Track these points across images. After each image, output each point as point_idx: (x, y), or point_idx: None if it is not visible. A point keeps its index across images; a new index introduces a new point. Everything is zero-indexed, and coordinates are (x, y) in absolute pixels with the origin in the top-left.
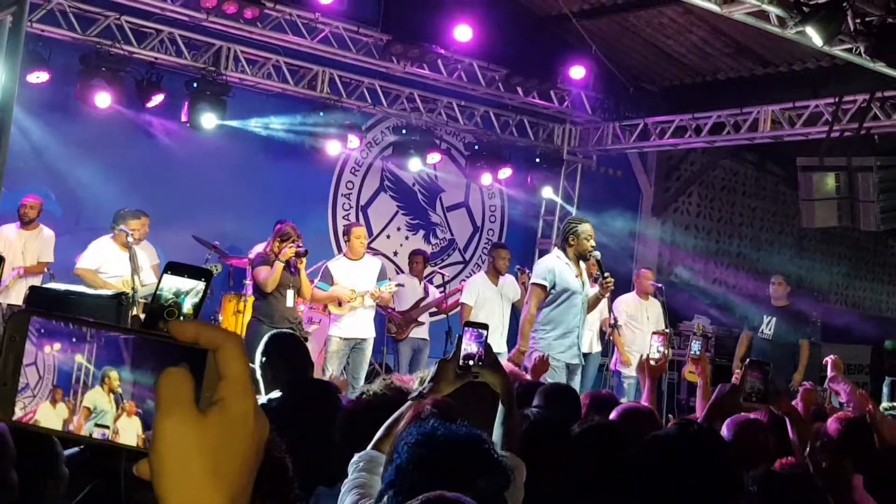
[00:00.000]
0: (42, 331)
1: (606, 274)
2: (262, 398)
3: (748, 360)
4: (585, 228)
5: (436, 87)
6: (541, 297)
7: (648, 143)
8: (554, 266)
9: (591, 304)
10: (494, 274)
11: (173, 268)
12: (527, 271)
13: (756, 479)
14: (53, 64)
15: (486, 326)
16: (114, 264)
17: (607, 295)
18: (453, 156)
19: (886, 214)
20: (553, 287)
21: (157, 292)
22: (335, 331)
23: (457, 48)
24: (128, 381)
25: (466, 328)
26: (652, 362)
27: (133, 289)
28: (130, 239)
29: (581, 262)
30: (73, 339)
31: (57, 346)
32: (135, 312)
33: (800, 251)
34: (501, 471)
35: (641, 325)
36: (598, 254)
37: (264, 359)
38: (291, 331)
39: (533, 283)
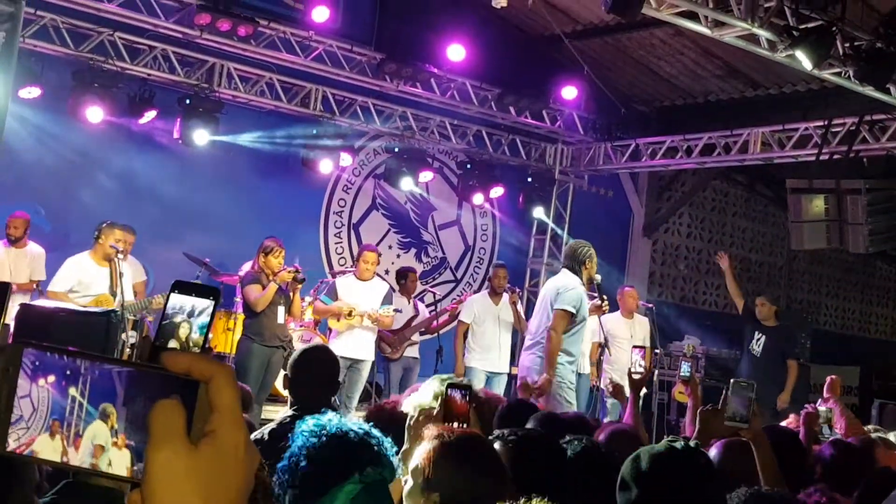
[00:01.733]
0: (37, 363)
1: (604, 297)
2: (272, 424)
3: (732, 381)
4: (594, 254)
5: (429, 106)
6: (567, 325)
7: (640, 164)
8: (582, 295)
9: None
10: (494, 293)
11: (180, 287)
12: (517, 291)
13: (741, 499)
14: (46, 79)
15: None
16: (92, 283)
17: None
18: (445, 174)
19: (875, 237)
20: (575, 315)
21: (166, 312)
22: (333, 348)
23: (450, 67)
24: (120, 413)
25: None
26: (635, 376)
27: (121, 305)
28: (120, 255)
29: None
30: (68, 372)
31: (51, 378)
32: (124, 333)
33: (790, 272)
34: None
35: (625, 344)
36: (599, 277)
37: (289, 374)
38: (323, 347)
39: (563, 310)
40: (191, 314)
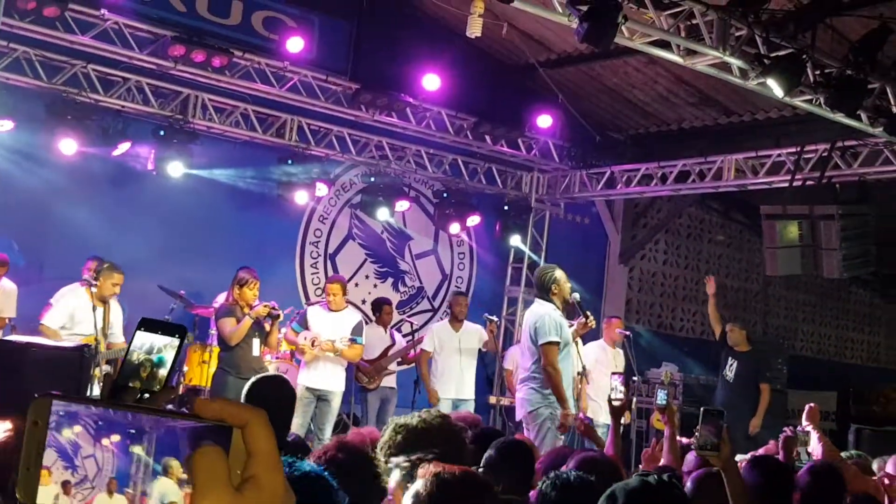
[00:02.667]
0: (100, 423)
1: (588, 313)
2: None
3: (702, 409)
4: (561, 274)
5: (404, 136)
6: (557, 355)
7: (615, 192)
8: (562, 322)
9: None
10: (455, 320)
11: (146, 325)
12: (495, 320)
13: None
14: (19, 112)
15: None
16: (84, 321)
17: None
18: (422, 203)
19: (849, 262)
20: (562, 344)
21: (130, 349)
22: (302, 379)
23: (425, 97)
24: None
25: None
26: (615, 403)
27: (106, 347)
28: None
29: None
30: (132, 431)
31: (116, 438)
32: (98, 368)
33: (766, 298)
34: None
35: (599, 370)
36: (577, 295)
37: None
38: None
39: (549, 343)
40: (151, 351)
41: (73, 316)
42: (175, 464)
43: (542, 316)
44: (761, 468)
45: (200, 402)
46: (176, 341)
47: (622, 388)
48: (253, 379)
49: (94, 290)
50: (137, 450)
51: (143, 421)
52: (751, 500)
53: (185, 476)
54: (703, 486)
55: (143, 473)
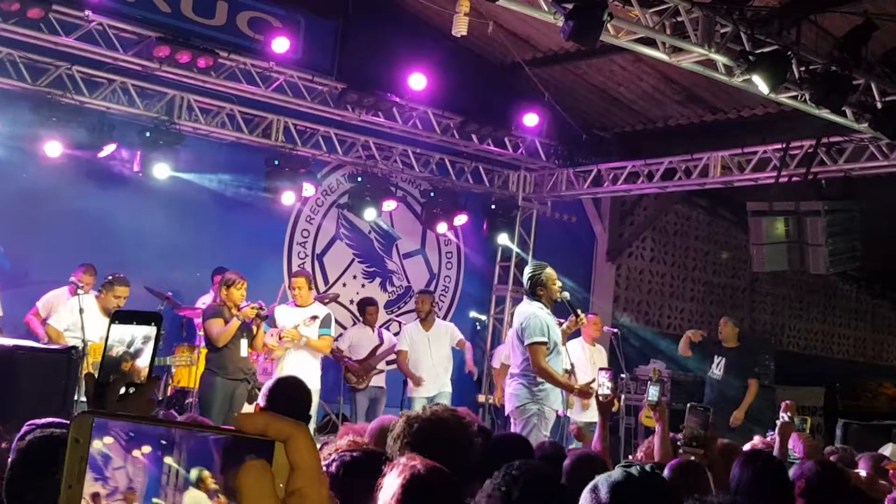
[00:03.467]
0: (131, 434)
1: (579, 311)
2: None
3: (689, 405)
4: (550, 273)
5: (391, 135)
6: (545, 354)
7: (602, 189)
8: (548, 322)
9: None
10: (423, 320)
11: (120, 317)
12: (482, 320)
13: None
14: (3, 114)
15: (156, 318)
16: (89, 328)
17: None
18: (409, 203)
19: (835, 258)
20: (548, 343)
21: (108, 344)
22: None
23: (412, 96)
24: (218, 479)
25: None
26: (602, 398)
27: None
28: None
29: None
30: (163, 442)
31: (147, 449)
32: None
33: (752, 295)
34: None
35: (587, 370)
36: (566, 294)
37: (264, 404)
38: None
39: (535, 343)
40: (131, 344)
41: (78, 321)
42: (207, 475)
43: (528, 316)
44: (754, 463)
45: (244, 416)
46: (153, 329)
47: (609, 384)
48: (273, 380)
49: (80, 293)
50: (169, 460)
51: (175, 431)
52: (744, 495)
53: (216, 487)
54: (679, 474)
55: (175, 485)
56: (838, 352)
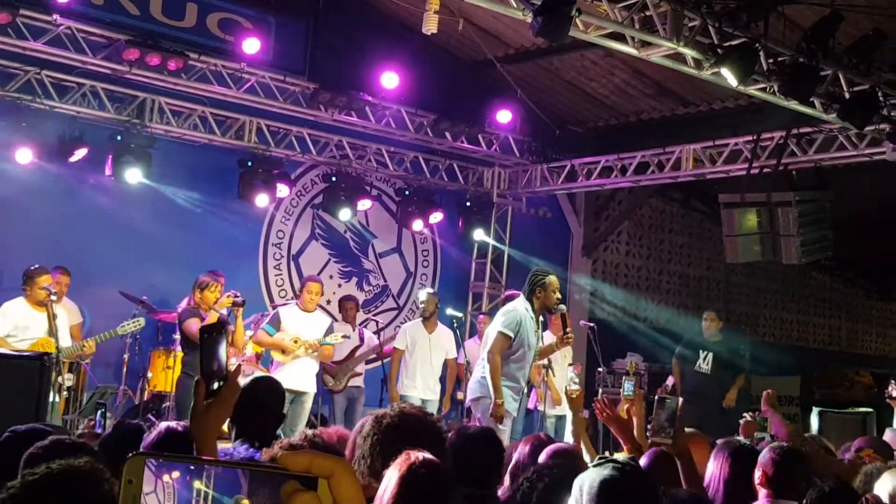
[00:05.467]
0: (160, 461)
1: (568, 330)
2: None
3: (657, 397)
4: (553, 281)
5: (364, 134)
6: (504, 347)
7: (576, 185)
8: (522, 319)
9: (544, 352)
10: (427, 321)
11: (205, 331)
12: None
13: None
14: None
15: (222, 327)
16: (30, 327)
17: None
18: (384, 202)
19: (807, 248)
20: (514, 340)
21: (204, 359)
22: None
23: (384, 95)
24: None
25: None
26: (572, 394)
27: (57, 349)
28: (53, 297)
29: (541, 315)
30: (192, 467)
31: (175, 474)
32: (61, 376)
33: (728, 286)
34: None
35: (557, 364)
36: (563, 307)
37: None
38: (270, 377)
39: (499, 332)
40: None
41: (16, 324)
42: (244, 502)
43: (510, 310)
44: (734, 455)
45: (287, 456)
46: (223, 338)
47: (577, 379)
48: (249, 379)
49: (52, 298)
50: (198, 485)
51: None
52: (722, 485)
53: None
54: (655, 463)
55: None
56: (813, 341)
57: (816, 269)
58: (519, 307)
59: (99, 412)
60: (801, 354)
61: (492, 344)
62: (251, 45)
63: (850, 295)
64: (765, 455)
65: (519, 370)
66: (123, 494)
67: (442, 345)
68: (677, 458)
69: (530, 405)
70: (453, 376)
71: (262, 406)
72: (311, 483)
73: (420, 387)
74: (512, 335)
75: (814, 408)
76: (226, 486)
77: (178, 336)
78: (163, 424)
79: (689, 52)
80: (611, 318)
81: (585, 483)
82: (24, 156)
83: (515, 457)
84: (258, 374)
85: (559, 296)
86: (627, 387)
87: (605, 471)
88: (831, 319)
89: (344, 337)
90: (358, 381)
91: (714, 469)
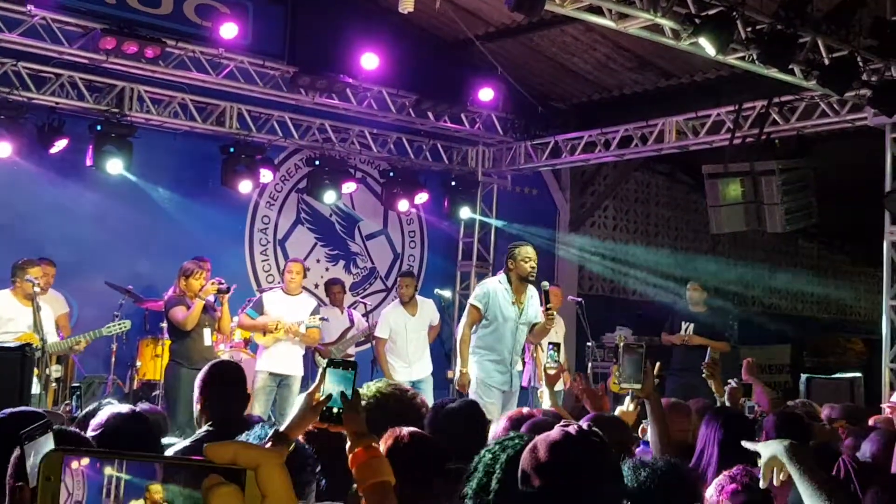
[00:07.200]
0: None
1: (549, 306)
2: (185, 442)
3: (624, 343)
4: (522, 251)
5: (346, 117)
6: (475, 319)
7: (560, 161)
8: (490, 291)
9: (539, 333)
10: (407, 304)
11: (331, 364)
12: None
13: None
14: None
15: (354, 365)
16: (14, 319)
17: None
18: (369, 184)
19: (791, 216)
20: (486, 312)
21: (324, 388)
22: (261, 365)
23: (365, 76)
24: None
25: (329, 367)
26: (550, 371)
27: (42, 340)
28: (37, 289)
29: (530, 286)
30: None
31: (85, 461)
32: (48, 368)
33: (715, 256)
34: None
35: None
36: (546, 283)
37: (200, 391)
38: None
39: (469, 304)
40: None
41: (1, 318)
42: (155, 487)
43: (481, 284)
44: (723, 419)
45: (212, 447)
46: (351, 373)
47: (557, 357)
48: (210, 365)
49: (36, 290)
50: (109, 471)
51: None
52: (717, 448)
53: (159, 498)
54: (598, 426)
55: (116, 495)
56: (803, 309)
57: (803, 237)
58: (490, 281)
59: (74, 396)
60: (791, 323)
61: (464, 316)
62: (229, 30)
63: (838, 262)
64: (769, 421)
65: (497, 342)
66: (41, 492)
67: (425, 321)
68: (647, 402)
69: (524, 382)
70: (433, 336)
71: (227, 390)
72: (237, 475)
73: (408, 370)
74: (480, 306)
75: (801, 375)
76: (139, 471)
77: (164, 324)
78: (107, 410)
79: (667, 23)
80: (599, 293)
81: (537, 445)
82: (3, 150)
83: (494, 430)
84: (245, 359)
85: (532, 265)
86: (552, 355)
87: (554, 434)
88: (819, 287)
89: (322, 319)
90: None
91: (708, 434)
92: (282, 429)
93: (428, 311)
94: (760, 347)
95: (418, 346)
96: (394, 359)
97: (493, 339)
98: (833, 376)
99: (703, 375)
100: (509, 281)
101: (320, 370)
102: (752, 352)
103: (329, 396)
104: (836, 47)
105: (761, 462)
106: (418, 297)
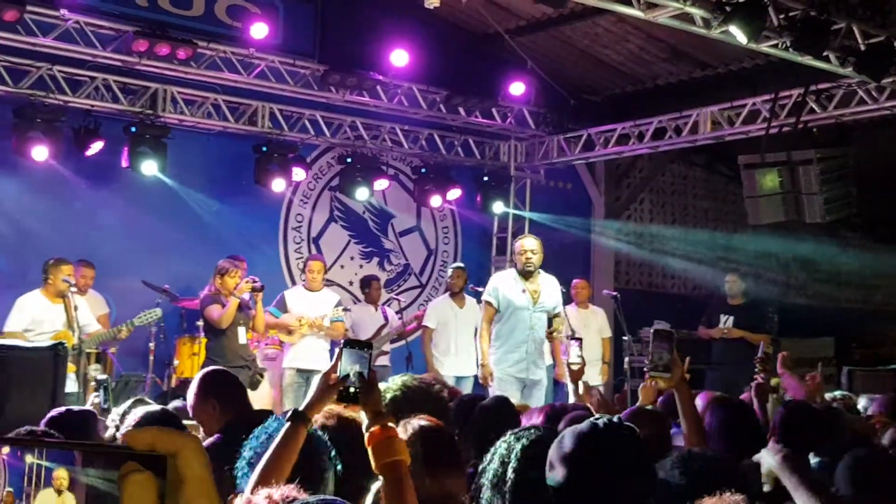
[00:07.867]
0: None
1: (552, 328)
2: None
3: (654, 330)
4: (518, 244)
5: (377, 114)
6: (491, 314)
7: (594, 154)
8: (499, 284)
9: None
10: (454, 295)
11: (348, 343)
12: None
13: (676, 463)
14: None
15: (369, 345)
16: (46, 320)
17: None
18: (401, 180)
19: (830, 205)
20: (499, 305)
21: (341, 368)
22: (289, 362)
23: (395, 73)
24: (74, 475)
25: (345, 347)
26: (573, 367)
27: (79, 339)
28: (73, 288)
29: (543, 275)
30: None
31: (6, 449)
32: (86, 366)
33: (756, 248)
34: None
35: (585, 335)
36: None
37: (216, 393)
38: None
39: (483, 301)
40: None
41: (33, 318)
42: (59, 473)
43: (491, 278)
44: (723, 407)
45: (130, 434)
46: (367, 353)
47: (580, 353)
48: (202, 372)
49: (72, 291)
50: (30, 458)
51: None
52: (716, 439)
53: (66, 483)
54: (636, 421)
55: (36, 482)
56: (846, 301)
57: (844, 227)
58: (497, 275)
59: (102, 388)
60: (833, 315)
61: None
62: (259, 30)
63: (880, 252)
64: (778, 414)
65: (512, 331)
66: None
67: (473, 316)
68: (676, 392)
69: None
70: None
71: (238, 390)
72: (156, 461)
73: (453, 363)
74: (492, 300)
75: (843, 367)
76: (59, 457)
77: (201, 323)
78: (141, 409)
79: (697, 12)
80: (636, 287)
81: (564, 437)
82: (40, 153)
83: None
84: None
85: (527, 257)
86: (573, 353)
87: (583, 426)
88: (863, 278)
89: (345, 310)
90: (384, 361)
91: (713, 422)
92: (300, 408)
93: (474, 307)
94: (803, 341)
95: (466, 339)
96: (438, 352)
97: (507, 329)
98: (876, 368)
99: (756, 371)
100: (517, 272)
101: (337, 350)
102: (794, 344)
103: (346, 376)
104: (871, 33)
105: (763, 470)
106: (467, 296)
